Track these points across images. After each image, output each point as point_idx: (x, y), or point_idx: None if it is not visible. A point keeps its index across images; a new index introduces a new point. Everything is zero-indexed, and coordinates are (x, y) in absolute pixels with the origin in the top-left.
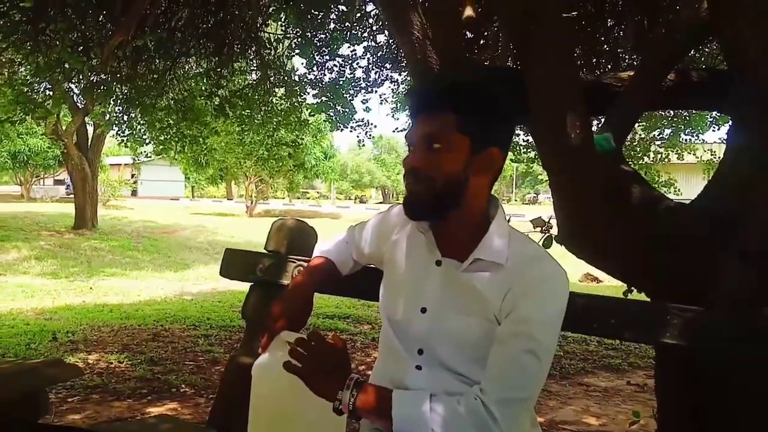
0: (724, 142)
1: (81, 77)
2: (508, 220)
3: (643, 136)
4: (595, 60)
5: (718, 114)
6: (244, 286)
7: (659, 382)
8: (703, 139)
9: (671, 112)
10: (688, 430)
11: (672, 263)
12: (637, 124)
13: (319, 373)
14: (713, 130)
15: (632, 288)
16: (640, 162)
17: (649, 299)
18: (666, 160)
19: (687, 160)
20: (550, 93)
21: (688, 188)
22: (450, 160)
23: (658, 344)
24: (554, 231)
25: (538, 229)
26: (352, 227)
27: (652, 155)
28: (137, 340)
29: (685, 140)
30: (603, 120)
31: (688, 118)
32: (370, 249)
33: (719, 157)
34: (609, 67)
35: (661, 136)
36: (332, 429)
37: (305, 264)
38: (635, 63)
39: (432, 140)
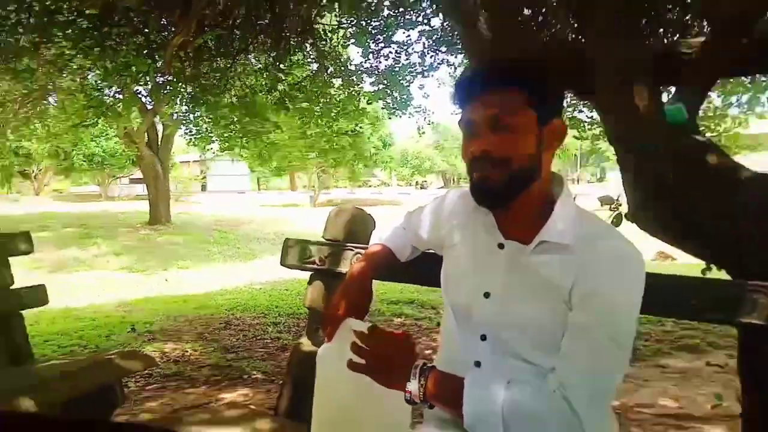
0: None
1: (147, 79)
2: (574, 199)
3: (718, 105)
4: (662, 29)
5: None
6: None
7: (743, 364)
8: None
9: (746, 78)
10: None
11: (754, 237)
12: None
13: (383, 367)
14: None
15: (711, 266)
16: (714, 132)
17: (729, 277)
18: (745, 124)
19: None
20: (615, 65)
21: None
22: (523, 139)
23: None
24: (624, 209)
25: (607, 207)
26: (410, 213)
27: (729, 121)
28: (210, 328)
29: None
30: (674, 90)
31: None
32: (429, 234)
33: None
34: (677, 36)
35: (738, 102)
36: (399, 416)
37: (363, 252)
38: (706, 29)
39: (501, 120)
